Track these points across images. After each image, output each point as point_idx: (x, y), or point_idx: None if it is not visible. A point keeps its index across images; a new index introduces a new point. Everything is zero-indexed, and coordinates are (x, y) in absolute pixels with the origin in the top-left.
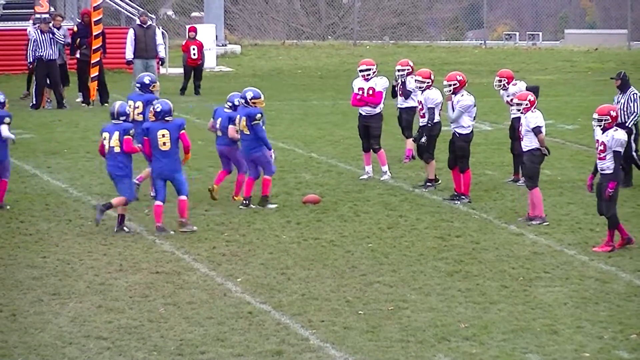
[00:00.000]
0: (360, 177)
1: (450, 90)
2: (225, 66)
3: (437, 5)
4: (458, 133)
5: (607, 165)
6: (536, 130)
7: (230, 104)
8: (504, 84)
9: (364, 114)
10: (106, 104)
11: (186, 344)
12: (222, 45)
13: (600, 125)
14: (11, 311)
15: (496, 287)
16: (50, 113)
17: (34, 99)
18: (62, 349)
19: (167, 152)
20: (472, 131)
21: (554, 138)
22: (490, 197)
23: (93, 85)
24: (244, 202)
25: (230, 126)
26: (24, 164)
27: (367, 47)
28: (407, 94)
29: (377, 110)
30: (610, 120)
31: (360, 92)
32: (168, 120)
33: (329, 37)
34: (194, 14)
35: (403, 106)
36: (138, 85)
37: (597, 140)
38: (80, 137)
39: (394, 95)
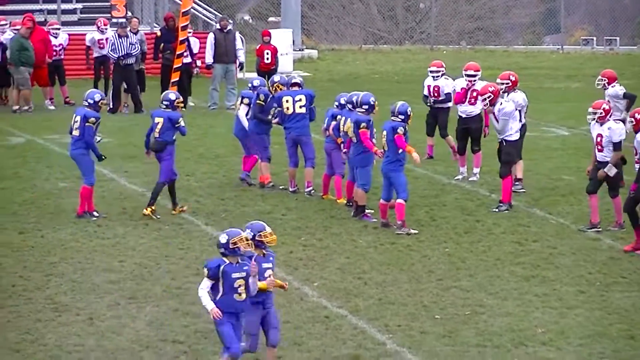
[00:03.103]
0: (455, 178)
1: (503, 89)
2: (302, 71)
3: (514, 10)
4: (506, 141)
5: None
6: (617, 146)
7: (337, 104)
8: (604, 84)
9: (463, 116)
10: (183, 109)
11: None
12: (299, 50)
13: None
14: (88, 315)
15: (573, 292)
16: (127, 118)
17: (111, 104)
18: (139, 352)
19: (386, 152)
20: (520, 136)
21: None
22: (567, 202)
23: (173, 90)
24: (347, 204)
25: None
26: (101, 168)
27: (444, 52)
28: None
29: (477, 111)
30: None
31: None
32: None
33: (406, 42)
34: (271, 18)
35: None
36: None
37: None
38: None
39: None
